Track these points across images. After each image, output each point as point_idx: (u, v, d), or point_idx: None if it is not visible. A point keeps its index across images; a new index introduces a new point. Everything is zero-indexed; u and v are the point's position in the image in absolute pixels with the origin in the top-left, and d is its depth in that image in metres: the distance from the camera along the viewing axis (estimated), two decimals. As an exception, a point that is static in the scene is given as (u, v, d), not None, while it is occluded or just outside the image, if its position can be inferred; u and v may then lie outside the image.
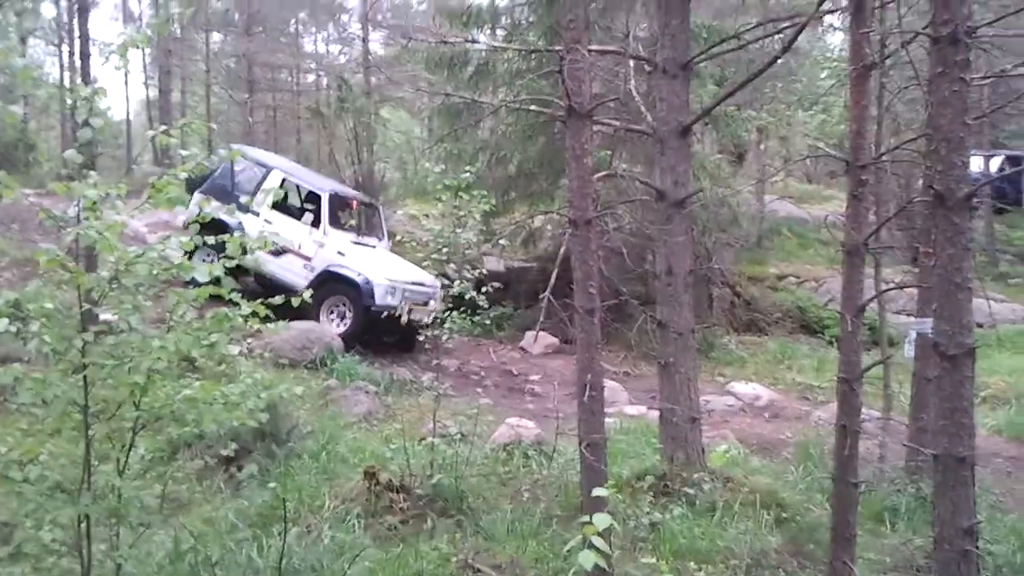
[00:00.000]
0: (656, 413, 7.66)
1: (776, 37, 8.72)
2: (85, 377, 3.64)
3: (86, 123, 3.55)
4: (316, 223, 12.43)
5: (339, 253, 12.29)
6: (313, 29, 35.57)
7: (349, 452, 7.40)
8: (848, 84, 5.38)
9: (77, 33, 14.97)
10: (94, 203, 3.56)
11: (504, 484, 6.86)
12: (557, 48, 4.49)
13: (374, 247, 13.37)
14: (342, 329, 11.97)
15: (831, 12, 10.80)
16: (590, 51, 5.73)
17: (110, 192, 3.64)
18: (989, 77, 7.13)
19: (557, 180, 14.52)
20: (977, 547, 3.75)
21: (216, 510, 5.87)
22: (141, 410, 3.83)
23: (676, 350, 6.95)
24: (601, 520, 2.05)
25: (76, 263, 3.95)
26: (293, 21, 33.04)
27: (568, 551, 2.37)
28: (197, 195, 13.14)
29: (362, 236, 13.32)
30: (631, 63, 8.19)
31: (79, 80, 10.24)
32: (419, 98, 24.52)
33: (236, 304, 3.89)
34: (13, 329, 3.48)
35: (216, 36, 31.76)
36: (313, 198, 13.13)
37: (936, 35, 3.64)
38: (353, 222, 13.21)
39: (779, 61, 11.44)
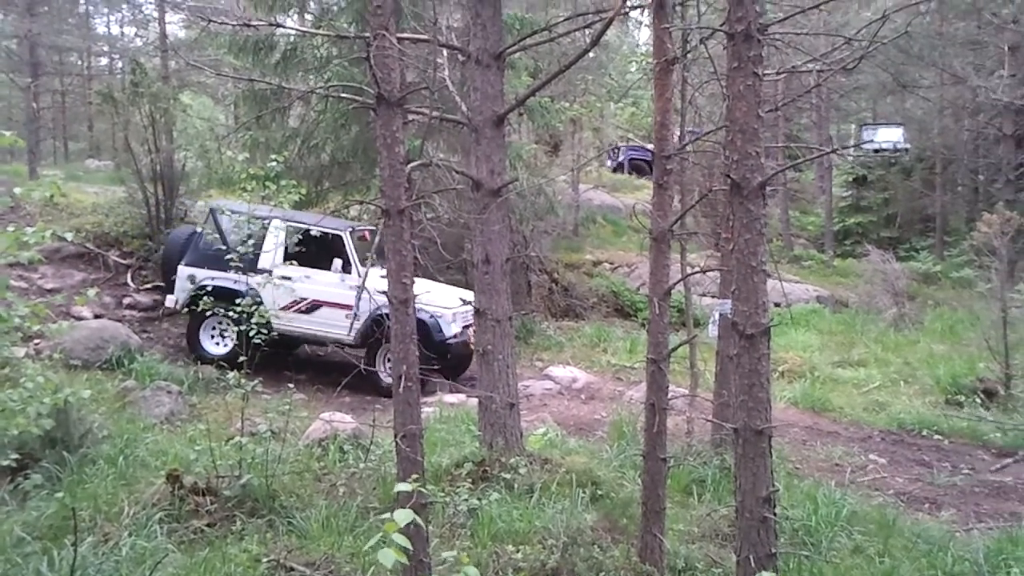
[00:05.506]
0: (476, 400, 7.68)
1: (586, 31, 8.92)
2: None
3: None
4: (346, 267, 11.38)
5: (383, 293, 11.31)
6: (105, 10, 33.34)
7: (150, 455, 6.95)
8: (653, 78, 5.57)
9: None
10: None
11: (319, 480, 6.66)
12: (365, 35, 4.34)
13: None
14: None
15: (635, 8, 11.18)
16: (400, 39, 5.62)
17: None
18: (781, 73, 7.58)
19: (372, 169, 14.26)
20: (775, 513, 3.96)
21: (-1, 524, 5.35)
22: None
23: (495, 337, 7.00)
24: (403, 516, 1.99)
25: None
26: (83, 0, 30.82)
27: (370, 548, 2.27)
28: (183, 270, 11.69)
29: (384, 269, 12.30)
30: (444, 52, 8.13)
31: None
32: (223, 84, 23.46)
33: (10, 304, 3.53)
34: None
35: (-6, 15, 29.07)
36: (318, 240, 11.79)
37: (731, 32, 3.78)
38: (372, 256, 12.23)
39: (590, 55, 11.76)
